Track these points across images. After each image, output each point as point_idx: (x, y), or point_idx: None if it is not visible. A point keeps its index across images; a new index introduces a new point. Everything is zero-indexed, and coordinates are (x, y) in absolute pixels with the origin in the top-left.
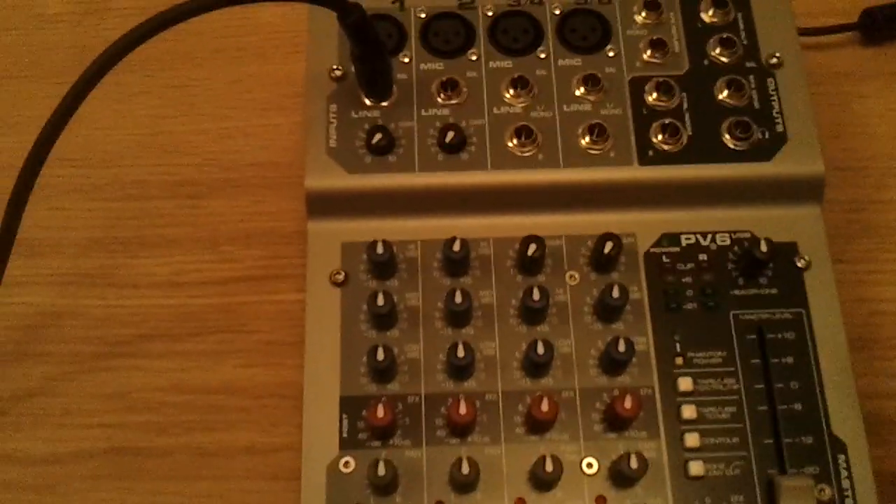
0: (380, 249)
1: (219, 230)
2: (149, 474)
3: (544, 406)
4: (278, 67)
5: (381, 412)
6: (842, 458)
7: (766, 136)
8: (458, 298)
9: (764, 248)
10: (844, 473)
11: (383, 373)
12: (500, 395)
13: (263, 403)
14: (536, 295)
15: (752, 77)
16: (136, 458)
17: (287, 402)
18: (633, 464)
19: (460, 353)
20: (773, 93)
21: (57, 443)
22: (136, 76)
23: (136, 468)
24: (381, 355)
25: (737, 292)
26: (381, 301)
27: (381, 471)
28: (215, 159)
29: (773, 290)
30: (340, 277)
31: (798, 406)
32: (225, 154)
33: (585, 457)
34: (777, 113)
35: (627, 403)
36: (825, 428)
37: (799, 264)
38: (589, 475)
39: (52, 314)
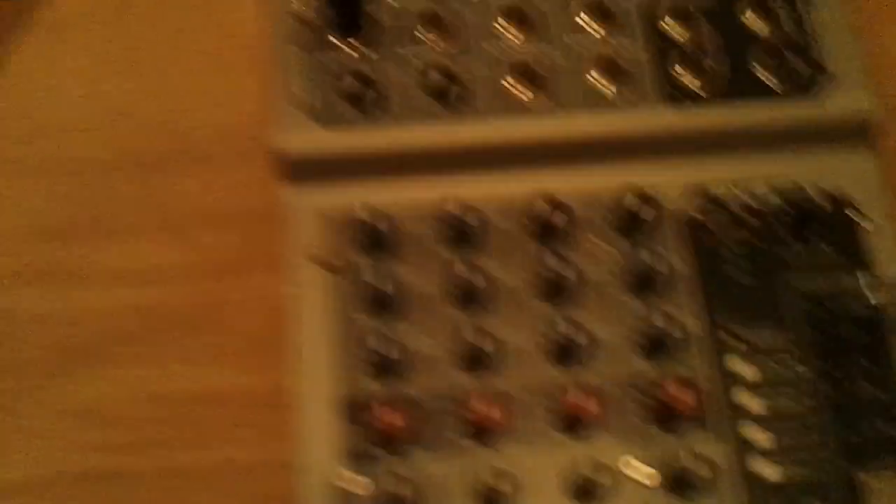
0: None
1: (182, 211)
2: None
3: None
4: (225, 17)
5: (389, 414)
6: None
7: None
8: (464, 274)
9: (824, 201)
10: None
11: (387, 368)
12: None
13: (253, 414)
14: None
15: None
16: (107, 484)
17: (282, 412)
18: (703, 471)
19: (470, 339)
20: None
21: (11, 470)
22: (70, 34)
23: (105, 496)
24: (376, 346)
25: (792, 257)
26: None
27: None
28: (167, 124)
29: (832, 252)
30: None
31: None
32: (177, 118)
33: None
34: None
35: (688, 397)
36: None
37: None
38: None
39: None
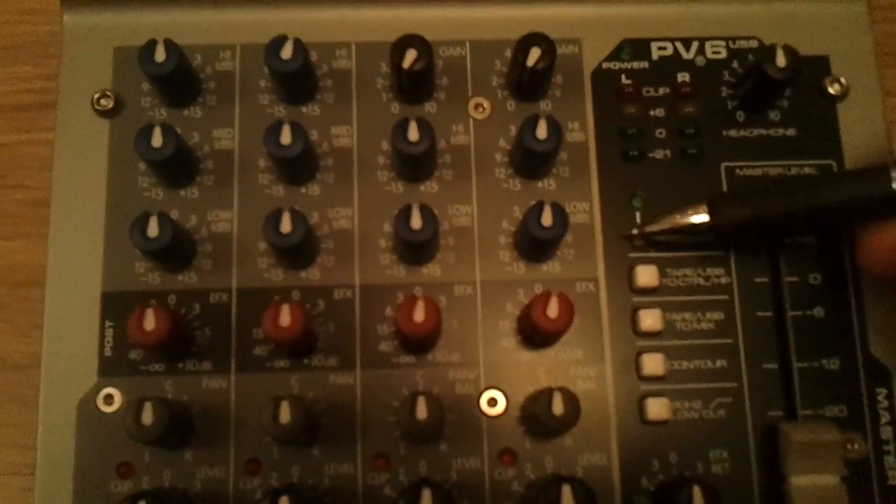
0: (160, 56)
1: None
2: None
3: (418, 313)
4: None
5: (150, 321)
6: (882, 391)
7: None
8: (287, 137)
9: (781, 61)
10: (886, 416)
11: (167, 256)
12: (356, 291)
13: (23, 294)
14: (414, 134)
15: None
16: None
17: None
18: (557, 406)
19: (285, 225)
20: None
21: None
22: None
23: None
24: (154, 228)
25: (733, 133)
26: (157, 141)
27: (149, 419)
28: None
29: (790, 130)
30: (109, 102)
31: (819, 312)
32: None
33: (486, 389)
34: None
35: (552, 308)
36: (859, 347)
37: (831, 90)
38: (491, 416)
39: None
